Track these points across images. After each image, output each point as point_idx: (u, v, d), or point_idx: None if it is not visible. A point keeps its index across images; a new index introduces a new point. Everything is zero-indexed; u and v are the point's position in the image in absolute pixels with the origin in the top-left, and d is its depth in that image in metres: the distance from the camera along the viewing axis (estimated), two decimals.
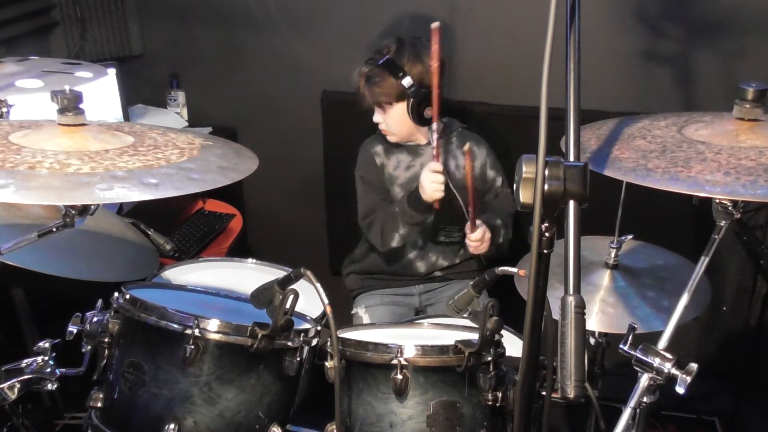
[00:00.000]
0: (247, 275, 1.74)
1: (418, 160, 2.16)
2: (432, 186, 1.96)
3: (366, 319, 2.21)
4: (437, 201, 1.99)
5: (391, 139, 2.14)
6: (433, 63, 1.85)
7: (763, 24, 2.23)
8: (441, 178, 1.95)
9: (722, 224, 1.25)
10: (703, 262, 1.27)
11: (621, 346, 1.26)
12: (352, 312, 2.28)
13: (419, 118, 2.00)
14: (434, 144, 1.96)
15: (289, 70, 2.68)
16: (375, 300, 2.26)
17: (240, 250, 2.59)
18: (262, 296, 1.28)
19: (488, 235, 2.06)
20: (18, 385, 1.33)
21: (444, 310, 2.03)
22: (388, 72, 2.00)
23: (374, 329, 1.57)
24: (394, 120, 2.07)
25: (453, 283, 2.27)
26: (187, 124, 2.83)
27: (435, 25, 1.80)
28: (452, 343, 1.29)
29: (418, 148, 2.17)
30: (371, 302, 2.26)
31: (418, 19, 2.44)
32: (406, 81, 1.98)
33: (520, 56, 2.36)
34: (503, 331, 1.38)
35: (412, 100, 1.98)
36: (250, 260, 1.80)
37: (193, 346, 1.23)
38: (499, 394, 1.30)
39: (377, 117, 2.09)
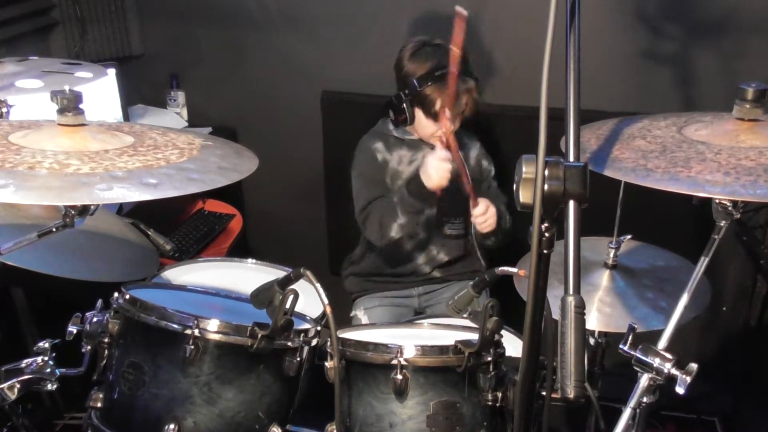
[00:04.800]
0: (247, 275, 1.74)
1: (419, 154, 2.15)
2: (439, 173, 1.91)
3: (365, 322, 2.20)
4: (440, 189, 1.95)
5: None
6: (455, 49, 1.77)
7: (763, 24, 2.23)
8: (449, 165, 1.91)
9: (722, 224, 1.25)
10: (703, 262, 1.27)
11: (621, 346, 1.27)
12: (351, 314, 2.28)
13: None
14: (445, 131, 1.93)
15: (289, 70, 2.67)
16: (374, 302, 2.26)
17: (240, 250, 2.59)
18: (262, 296, 1.28)
19: (492, 209, 2.03)
20: (18, 385, 1.33)
21: (444, 311, 2.04)
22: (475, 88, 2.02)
23: (374, 329, 1.57)
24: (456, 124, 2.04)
25: (452, 284, 2.27)
26: (187, 124, 2.83)
27: (461, 11, 1.70)
28: (452, 343, 1.29)
29: (420, 142, 2.16)
30: (370, 304, 2.25)
31: (418, 19, 2.44)
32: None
33: (520, 56, 2.36)
34: (503, 331, 1.39)
35: None
36: (250, 260, 1.80)
37: (193, 346, 1.23)
38: (499, 394, 1.30)
39: (450, 124, 1.94)
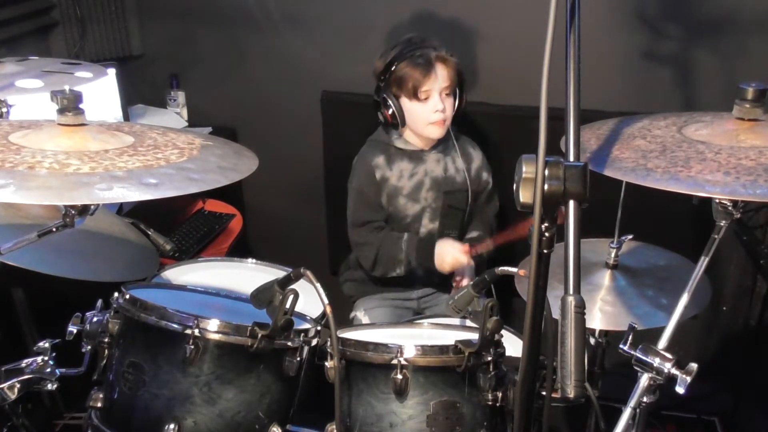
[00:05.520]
0: (247, 275, 1.74)
1: (421, 167, 2.14)
2: (454, 267, 2.05)
3: (365, 322, 2.20)
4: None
5: (441, 132, 2.07)
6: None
7: (763, 24, 2.23)
8: (466, 263, 2.03)
9: (722, 224, 1.25)
10: (703, 262, 1.27)
11: (621, 346, 1.26)
12: (351, 315, 2.27)
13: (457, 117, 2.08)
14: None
15: (289, 70, 2.68)
16: (374, 303, 2.25)
17: (240, 250, 2.59)
18: (262, 296, 1.28)
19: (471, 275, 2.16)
20: (18, 385, 1.33)
21: (443, 312, 2.04)
22: (456, 61, 2.04)
23: (374, 329, 1.57)
24: (450, 111, 2.05)
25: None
26: (187, 124, 2.83)
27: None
28: (452, 343, 1.29)
29: (421, 153, 2.14)
30: (370, 305, 2.25)
31: (418, 20, 2.44)
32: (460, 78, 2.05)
33: (520, 56, 2.36)
34: (503, 331, 1.39)
35: (458, 97, 2.06)
36: (250, 260, 1.80)
37: (193, 346, 1.23)
38: (499, 394, 1.30)
39: (439, 103, 2.01)
